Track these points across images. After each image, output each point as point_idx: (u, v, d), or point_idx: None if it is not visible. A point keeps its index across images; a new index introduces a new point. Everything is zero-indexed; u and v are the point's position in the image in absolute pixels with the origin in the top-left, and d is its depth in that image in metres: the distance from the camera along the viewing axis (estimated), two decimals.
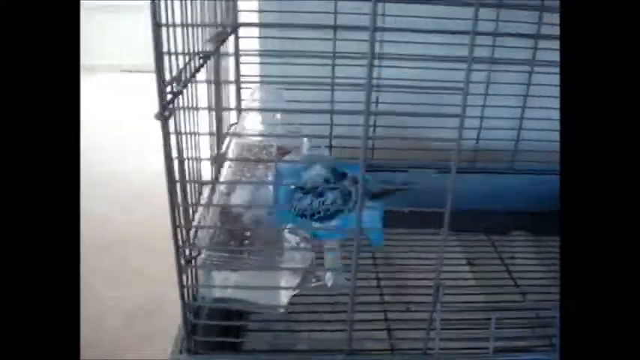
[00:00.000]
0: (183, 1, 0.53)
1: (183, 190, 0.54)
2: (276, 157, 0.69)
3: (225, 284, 0.64)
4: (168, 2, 0.47)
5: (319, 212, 0.66)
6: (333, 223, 0.69)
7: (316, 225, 0.68)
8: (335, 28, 0.90)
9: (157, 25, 0.44)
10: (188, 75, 0.55)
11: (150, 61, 0.45)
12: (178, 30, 0.51)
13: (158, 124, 0.47)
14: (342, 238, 0.70)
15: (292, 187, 0.66)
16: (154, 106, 0.47)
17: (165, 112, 0.47)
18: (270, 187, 0.68)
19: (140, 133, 2.11)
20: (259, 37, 0.99)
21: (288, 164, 0.71)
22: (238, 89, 0.96)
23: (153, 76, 0.45)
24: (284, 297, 0.65)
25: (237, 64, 0.93)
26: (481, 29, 0.49)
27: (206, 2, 0.64)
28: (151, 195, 1.60)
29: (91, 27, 3.11)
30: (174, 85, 0.50)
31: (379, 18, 0.87)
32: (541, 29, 0.93)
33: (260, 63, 0.99)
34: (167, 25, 0.45)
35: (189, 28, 0.55)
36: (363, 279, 0.87)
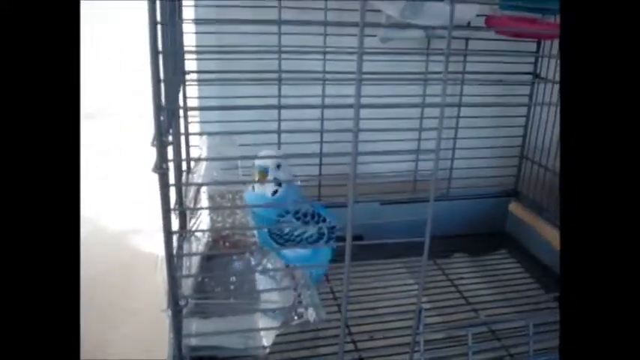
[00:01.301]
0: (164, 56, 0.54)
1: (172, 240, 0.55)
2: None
3: (205, 332, 0.64)
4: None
5: (298, 239, 0.70)
6: (302, 252, 0.73)
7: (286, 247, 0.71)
8: (280, 80, 0.94)
9: (157, 81, 0.45)
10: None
11: None
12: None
13: None
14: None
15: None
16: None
17: (164, 164, 0.48)
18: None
19: None
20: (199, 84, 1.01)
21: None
22: (187, 140, 0.97)
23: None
24: (267, 338, 0.66)
25: (186, 117, 0.94)
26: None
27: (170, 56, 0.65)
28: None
29: None
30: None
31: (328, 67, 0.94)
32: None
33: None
34: (165, 81, 0.46)
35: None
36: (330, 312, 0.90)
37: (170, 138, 0.51)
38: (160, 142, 0.47)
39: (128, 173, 1.85)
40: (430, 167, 1.08)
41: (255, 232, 0.72)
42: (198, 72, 0.93)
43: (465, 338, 0.70)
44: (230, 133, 0.90)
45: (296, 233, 0.71)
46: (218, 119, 1.04)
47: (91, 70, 2.92)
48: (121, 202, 1.68)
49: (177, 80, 0.77)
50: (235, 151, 0.90)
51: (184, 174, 0.95)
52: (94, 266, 1.45)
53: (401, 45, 0.96)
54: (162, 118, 0.46)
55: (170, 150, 0.60)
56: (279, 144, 1.00)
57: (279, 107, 0.99)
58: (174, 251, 0.67)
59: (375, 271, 0.98)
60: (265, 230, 0.70)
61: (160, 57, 0.49)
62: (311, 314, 0.66)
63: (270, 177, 0.67)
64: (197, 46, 0.95)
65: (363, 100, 0.99)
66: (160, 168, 0.48)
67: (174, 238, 0.68)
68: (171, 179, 0.69)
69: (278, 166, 0.67)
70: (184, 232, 0.51)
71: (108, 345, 1.10)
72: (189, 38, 0.96)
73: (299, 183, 0.68)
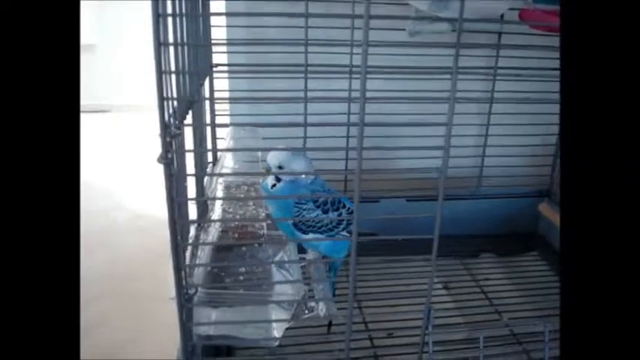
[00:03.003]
0: (180, 48, 0.55)
1: (182, 231, 0.56)
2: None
3: (218, 321, 0.65)
4: (171, 48, 0.49)
5: (318, 225, 0.70)
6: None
7: (308, 237, 0.70)
8: (306, 72, 0.94)
9: (161, 73, 0.46)
10: (180, 119, 0.57)
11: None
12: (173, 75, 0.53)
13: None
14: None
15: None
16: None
17: (168, 154, 0.49)
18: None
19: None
20: (229, 78, 1.02)
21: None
22: (213, 130, 0.99)
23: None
24: (277, 330, 0.66)
25: (212, 109, 0.95)
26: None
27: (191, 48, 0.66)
28: (114, 240, 1.58)
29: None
30: (173, 128, 0.52)
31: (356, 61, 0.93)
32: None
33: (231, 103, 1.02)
34: (169, 73, 0.47)
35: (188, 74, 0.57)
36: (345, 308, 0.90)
37: (175, 129, 0.52)
38: (164, 133, 0.48)
39: None
40: (461, 164, 1.08)
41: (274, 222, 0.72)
42: (225, 65, 0.94)
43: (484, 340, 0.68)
44: (254, 125, 0.91)
45: (315, 220, 0.70)
46: (247, 112, 1.05)
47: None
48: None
49: (201, 72, 0.78)
50: (258, 144, 0.90)
51: (210, 165, 0.96)
52: (133, 253, 1.51)
53: (429, 39, 0.94)
54: (166, 109, 0.47)
55: (184, 141, 0.61)
56: (304, 137, 1.00)
57: (305, 100, 0.99)
58: (191, 240, 0.68)
59: (398, 269, 0.97)
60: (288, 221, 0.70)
61: (171, 49, 0.50)
62: (321, 308, 0.66)
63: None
64: (225, 39, 0.96)
65: (387, 95, 0.99)
66: (165, 158, 0.48)
67: (192, 227, 0.69)
68: (190, 169, 0.71)
69: (280, 167, 0.67)
70: (191, 222, 0.52)
71: (144, 331, 1.14)
72: (220, 31, 0.98)
73: (303, 176, 0.67)
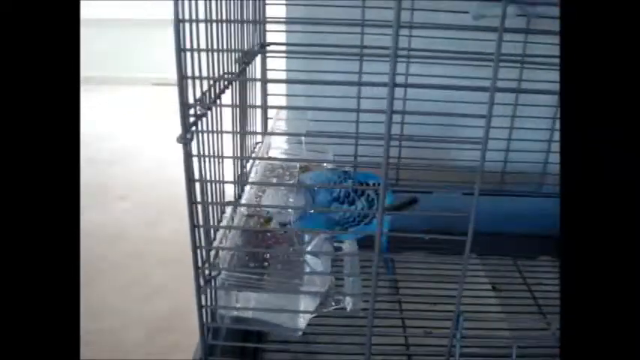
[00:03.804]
0: (209, 24, 0.54)
1: (205, 211, 0.55)
2: (299, 174, 0.69)
3: (245, 305, 0.64)
4: (193, 26, 0.48)
5: (352, 220, 0.68)
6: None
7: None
8: (361, 56, 0.91)
9: (180, 50, 0.44)
10: (212, 98, 0.56)
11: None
12: (203, 53, 0.52)
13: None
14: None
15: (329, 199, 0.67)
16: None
17: (188, 134, 0.48)
18: (300, 195, 0.69)
19: (164, 147, 2.15)
20: (286, 57, 1.00)
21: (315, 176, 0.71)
22: (265, 112, 0.98)
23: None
24: (302, 320, 0.65)
25: (264, 89, 0.94)
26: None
27: (232, 25, 0.64)
28: (176, 210, 1.62)
29: (122, 40, 3.21)
30: (198, 108, 0.51)
31: (405, 44, 0.89)
32: None
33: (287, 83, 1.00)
34: (191, 50, 0.45)
35: (215, 52, 0.55)
36: (385, 301, 0.87)
37: (202, 109, 0.51)
38: (184, 113, 0.47)
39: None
40: (524, 159, 1.01)
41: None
42: (277, 44, 0.92)
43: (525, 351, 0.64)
44: (300, 109, 0.89)
45: (347, 216, 0.68)
46: (301, 93, 1.03)
47: None
48: None
49: (249, 51, 0.77)
50: (306, 126, 0.88)
51: (258, 146, 0.95)
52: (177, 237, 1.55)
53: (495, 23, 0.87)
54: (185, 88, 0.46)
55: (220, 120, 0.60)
56: (357, 122, 0.97)
57: (359, 84, 0.96)
58: (225, 220, 0.68)
59: (442, 265, 0.92)
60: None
61: (194, 25, 0.48)
62: (348, 302, 0.63)
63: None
64: (278, 17, 0.94)
65: (445, 81, 0.93)
66: (184, 138, 0.48)
67: (217, 208, 0.69)
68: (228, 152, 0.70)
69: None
70: (205, 203, 0.51)
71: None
72: (279, 10, 0.96)
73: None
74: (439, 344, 0.69)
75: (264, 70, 0.95)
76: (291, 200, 0.63)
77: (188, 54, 0.46)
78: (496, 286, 0.93)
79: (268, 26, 0.92)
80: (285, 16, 0.99)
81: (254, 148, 0.90)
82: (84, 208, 1.67)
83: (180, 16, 0.43)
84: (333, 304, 0.64)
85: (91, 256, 1.37)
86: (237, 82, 0.70)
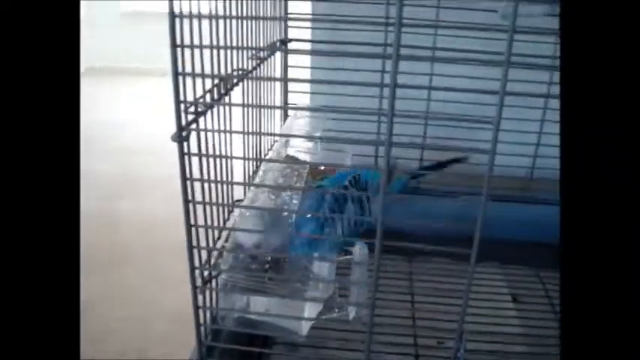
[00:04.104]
0: (214, 21, 0.52)
1: (204, 211, 0.54)
2: (307, 180, 0.68)
3: (247, 307, 0.63)
4: (194, 22, 0.47)
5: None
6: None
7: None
8: (383, 57, 0.88)
9: (175, 46, 0.43)
10: (219, 94, 0.54)
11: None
12: (207, 51, 0.50)
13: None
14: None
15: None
16: None
17: (183, 133, 0.47)
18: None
19: None
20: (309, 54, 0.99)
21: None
22: (285, 114, 0.96)
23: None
24: (305, 325, 0.63)
25: (285, 87, 0.93)
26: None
27: (243, 21, 0.63)
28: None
29: (139, 32, 3.26)
30: (200, 105, 0.49)
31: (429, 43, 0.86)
32: None
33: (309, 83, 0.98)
34: (182, 46, 0.44)
35: (223, 50, 0.54)
36: (396, 308, 0.85)
37: (202, 106, 0.49)
38: (179, 110, 0.46)
39: None
40: (549, 165, 0.96)
41: None
42: (298, 40, 0.91)
43: None
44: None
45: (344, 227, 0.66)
46: (323, 91, 1.01)
47: None
48: None
49: (268, 48, 0.76)
50: (323, 125, 0.86)
51: (276, 142, 0.94)
52: None
53: (525, 23, 0.84)
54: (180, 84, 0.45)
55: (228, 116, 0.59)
56: (378, 122, 0.94)
57: (382, 85, 0.93)
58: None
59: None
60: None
61: (194, 21, 0.47)
62: (351, 311, 0.62)
63: None
64: (300, 14, 0.92)
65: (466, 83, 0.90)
66: (179, 137, 0.46)
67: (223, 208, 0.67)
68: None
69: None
70: (202, 202, 0.50)
71: None
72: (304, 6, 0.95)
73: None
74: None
75: (285, 67, 0.93)
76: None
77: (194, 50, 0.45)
78: (516, 296, 0.89)
79: (291, 22, 0.90)
80: (309, 13, 0.97)
81: (272, 145, 0.89)
82: (117, 196, 1.70)
83: (177, 12, 0.42)
84: (336, 311, 0.63)
85: (121, 245, 1.39)
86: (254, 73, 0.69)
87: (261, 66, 0.74)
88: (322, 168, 0.81)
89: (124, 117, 2.46)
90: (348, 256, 0.70)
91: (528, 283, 0.91)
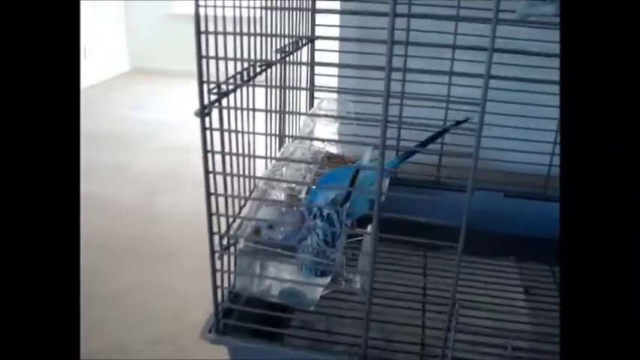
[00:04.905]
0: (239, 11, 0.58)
1: (224, 183, 0.59)
2: (322, 163, 0.72)
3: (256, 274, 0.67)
4: (218, 11, 0.52)
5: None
6: None
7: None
8: (406, 44, 0.92)
9: (199, 33, 0.49)
10: (246, 78, 0.60)
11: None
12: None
13: None
14: None
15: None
16: None
17: (205, 109, 0.52)
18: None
19: None
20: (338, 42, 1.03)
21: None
22: (312, 97, 1.02)
23: None
24: (315, 294, 0.68)
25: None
26: None
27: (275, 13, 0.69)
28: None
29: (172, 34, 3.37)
30: (224, 86, 0.55)
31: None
32: None
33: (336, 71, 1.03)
34: (207, 33, 0.50)
35: (253, 38, 0.59)
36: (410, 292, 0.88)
37: (224, 87, 0.55)
38: (201, 89, 0.52)
39: None
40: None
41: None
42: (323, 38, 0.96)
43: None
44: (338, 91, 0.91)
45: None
46: (352, 85, 1.05)
47: None
48: None
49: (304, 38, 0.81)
50: (346, 106, 0.91)
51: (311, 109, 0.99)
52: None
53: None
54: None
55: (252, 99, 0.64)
56: (401, 105, 0.96)
57: (404, 70, 0.97)
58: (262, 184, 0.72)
59: (485, 268, 0.93)
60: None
61: (218, 11, 0.53)
62: (358, 281, 0.66)
63: None
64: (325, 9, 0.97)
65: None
66: (201, 113, 0.52)
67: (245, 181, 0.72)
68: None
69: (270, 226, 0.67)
70: (221, 173, 0.56)
71: None
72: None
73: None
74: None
75: (311, 58, 0.98)
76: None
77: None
78: (529, 289, 0.92)
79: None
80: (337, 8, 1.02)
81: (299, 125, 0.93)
82: (159, 192, 1.77)
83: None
84: (344, 282, 0.67)
85: (162, 238, 1.46)
86: (279, 64, 0.74)
87: (287, 59, 0.80)
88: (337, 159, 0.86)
89: (172, 117, 2.59)
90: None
91: (541, 277, 0.94)
